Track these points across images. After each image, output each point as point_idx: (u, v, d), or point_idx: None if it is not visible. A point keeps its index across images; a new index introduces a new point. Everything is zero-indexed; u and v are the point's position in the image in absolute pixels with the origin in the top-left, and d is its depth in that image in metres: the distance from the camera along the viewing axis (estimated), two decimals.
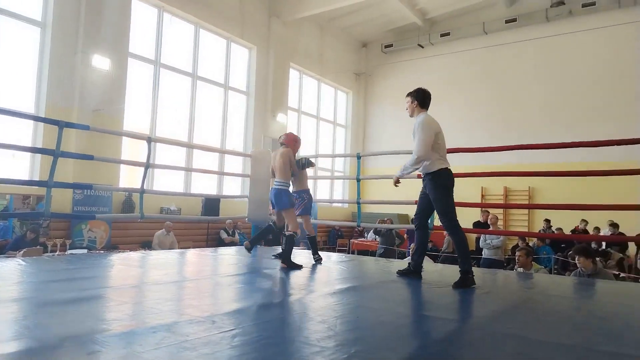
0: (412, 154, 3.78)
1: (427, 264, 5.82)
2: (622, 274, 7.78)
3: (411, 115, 3.93)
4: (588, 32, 12.45)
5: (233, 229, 10.50)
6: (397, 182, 4.02)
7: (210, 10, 11.09)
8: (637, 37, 11.90)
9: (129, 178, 9.31)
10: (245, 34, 12.06)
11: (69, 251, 7.34)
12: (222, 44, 11.86)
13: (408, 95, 3.95)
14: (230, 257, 5.32)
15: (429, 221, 5.26)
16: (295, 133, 14.69)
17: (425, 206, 3.93)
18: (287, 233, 4.50)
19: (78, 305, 2.58)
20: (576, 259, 4.93)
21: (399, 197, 6.36)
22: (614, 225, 10.05)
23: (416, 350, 1.98)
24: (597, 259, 5.67)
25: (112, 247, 8.36)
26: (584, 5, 12.38)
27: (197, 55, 11.12)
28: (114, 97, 8.86)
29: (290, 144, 4.75)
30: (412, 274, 3.98)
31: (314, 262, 4.97)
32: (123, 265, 4.41)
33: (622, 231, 9.86)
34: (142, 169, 5.36)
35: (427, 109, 3.93)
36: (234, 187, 11.84)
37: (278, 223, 4.93)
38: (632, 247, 10.14)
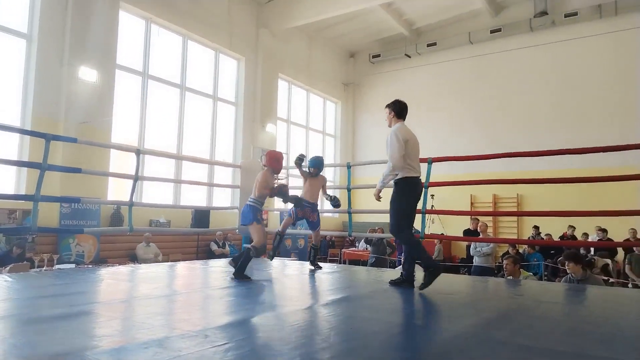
0: (387, 163, 3.94)
1: (419, 272, 5.83)
2: (610, 279, 7.87)
3: (389, 126, 4.10)
4: (571, 41, 12.70)
5: (223, 240, 10.43)
6: (379, 196, 4.05)
7: (198, 22, 11.11)
8: (618, 47, 12.16)
9: (117, 191, 9.22)
10: (233, 45, 12.09)
11: (57, 266, 7.22)
12: (210, 55, 11.88)
13: (386, 106, 4.15)
14: (221, 269, 5.28)
15: (420, 230, 5.30)
16: (285, 143, 14.61)
17: None
18: (248, 245, 4.39)
19: (67, 321, 2.53)
20: (566, 264, 4.98)
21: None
22: (602, 231, 10.18)
23: None
24: None
25: (101, 261, 8.25)
26: (566, 16, 12.64)
27: (186, 67, 11.11)
28: (101, 109, 8.80)
29: (271, 164, 4.67)
30: (405, 283, 3.98)
31: (312, 269, 5.25)
32: (112, 279, 4.35)
33: (610, 237, 9.99)
34: (131, 181, 5.32)
35: (403, 119, 4.10)
36: (223, 199, 11.79)
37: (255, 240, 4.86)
38: (620, 253, 10.26)
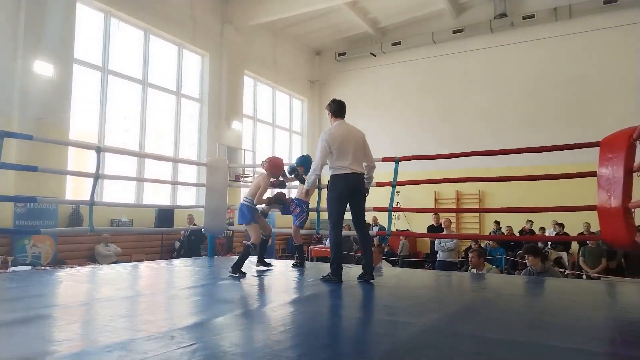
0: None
1: (386, 268, 5.90)
2: (567, 272, 8.22)
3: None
4: (529, 42, 13.15)
5: None
6: (306, 195, 4.35)
7: (160, 16, 10.83)
8: (573, 49, 12.68)
9: (76, 190, 8.90)
10: (197, 41, 11.86)
11: (11, 268, 6.89)
12: (173, 51, 11.61)
13: (326, 107, 4.27)
14: (185, 269, 5.18)
15: (386, 227, 5.36)
16: (251, 141, 14.39)
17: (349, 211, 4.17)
18: (247, 242, 4.49)
19: (23, 326, 2.42)
20: (526, 258, 5.18)
21: None
22: (559, 225, 10.61)
23: (381, 356, 1.99)
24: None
25: (59, 262, 7.93)
26: (524, 18, 13.08)
27: (148, 62, 10.82)
28: (58, 105, 8.44)
29: (271, 170, 4.77)
30: (365, 275, 4.03)
31: (295, 265, 5.36)
32: (71, 281, 4.19)
33: (566, 231, 10.43)
34: (91, 180, 5.13)
35: (342, 117, 4.18)
36: (188, 197, 11.57)
37: (264, 234, 4.92)
38: (574, 245, 10.72)
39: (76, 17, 8.94)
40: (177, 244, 9.99)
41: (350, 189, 4.00)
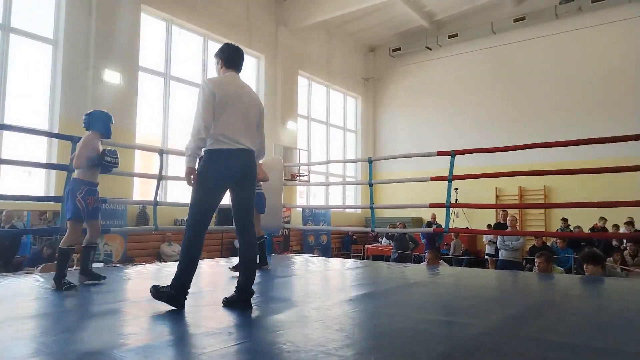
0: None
1: (443, 267, 5.75)
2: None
3: None
4: (598, 27, 12.31)
5: None
6: (189, 176, 2.79)
7: (217, 21, 11.20)
8: None
9: (142, 191, 9.39)
10: (253, 44, 12.14)
11: None
12: None
13: (214, 56, 3.06)
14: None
15: (444, 224, 5.19)
16: (306, 140, 14.44)
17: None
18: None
19: (97, 319, 2.58)
20: (584, 267, 4.53)
21: (413, 200, 6.28)
22: (629, 223, 9.82)
23: (438, 357, 1.93)
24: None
25: (128, 259, 8.42)
26: (594, 1, 12.23)
27: (207, 66, 11.21)
28: (125, 110, 8.95)
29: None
30: (237, 301, 2.90)
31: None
32: (139, 278, 4.43)
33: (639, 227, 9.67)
34: (155, 181, 5.40)
35: (235, 69, 3.01)
36: None
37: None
38: None
39: (140, 27, 9.44)
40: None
41: (233, 173, 2.84)
